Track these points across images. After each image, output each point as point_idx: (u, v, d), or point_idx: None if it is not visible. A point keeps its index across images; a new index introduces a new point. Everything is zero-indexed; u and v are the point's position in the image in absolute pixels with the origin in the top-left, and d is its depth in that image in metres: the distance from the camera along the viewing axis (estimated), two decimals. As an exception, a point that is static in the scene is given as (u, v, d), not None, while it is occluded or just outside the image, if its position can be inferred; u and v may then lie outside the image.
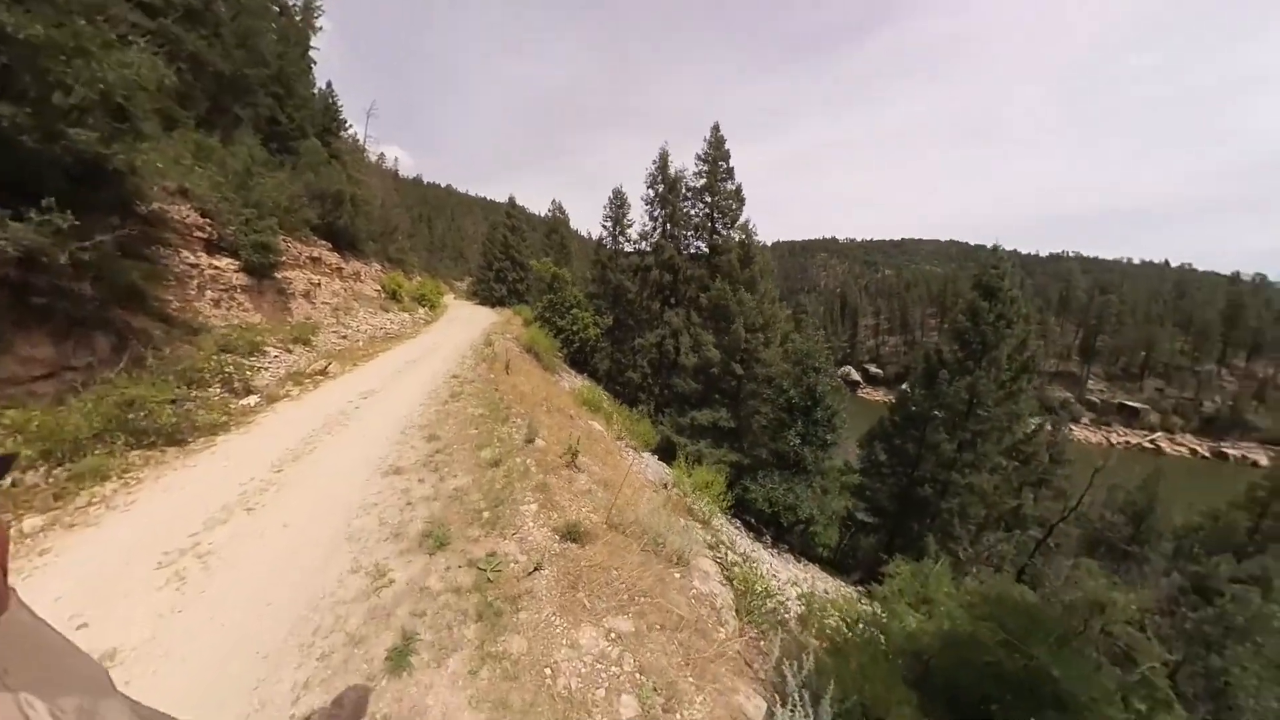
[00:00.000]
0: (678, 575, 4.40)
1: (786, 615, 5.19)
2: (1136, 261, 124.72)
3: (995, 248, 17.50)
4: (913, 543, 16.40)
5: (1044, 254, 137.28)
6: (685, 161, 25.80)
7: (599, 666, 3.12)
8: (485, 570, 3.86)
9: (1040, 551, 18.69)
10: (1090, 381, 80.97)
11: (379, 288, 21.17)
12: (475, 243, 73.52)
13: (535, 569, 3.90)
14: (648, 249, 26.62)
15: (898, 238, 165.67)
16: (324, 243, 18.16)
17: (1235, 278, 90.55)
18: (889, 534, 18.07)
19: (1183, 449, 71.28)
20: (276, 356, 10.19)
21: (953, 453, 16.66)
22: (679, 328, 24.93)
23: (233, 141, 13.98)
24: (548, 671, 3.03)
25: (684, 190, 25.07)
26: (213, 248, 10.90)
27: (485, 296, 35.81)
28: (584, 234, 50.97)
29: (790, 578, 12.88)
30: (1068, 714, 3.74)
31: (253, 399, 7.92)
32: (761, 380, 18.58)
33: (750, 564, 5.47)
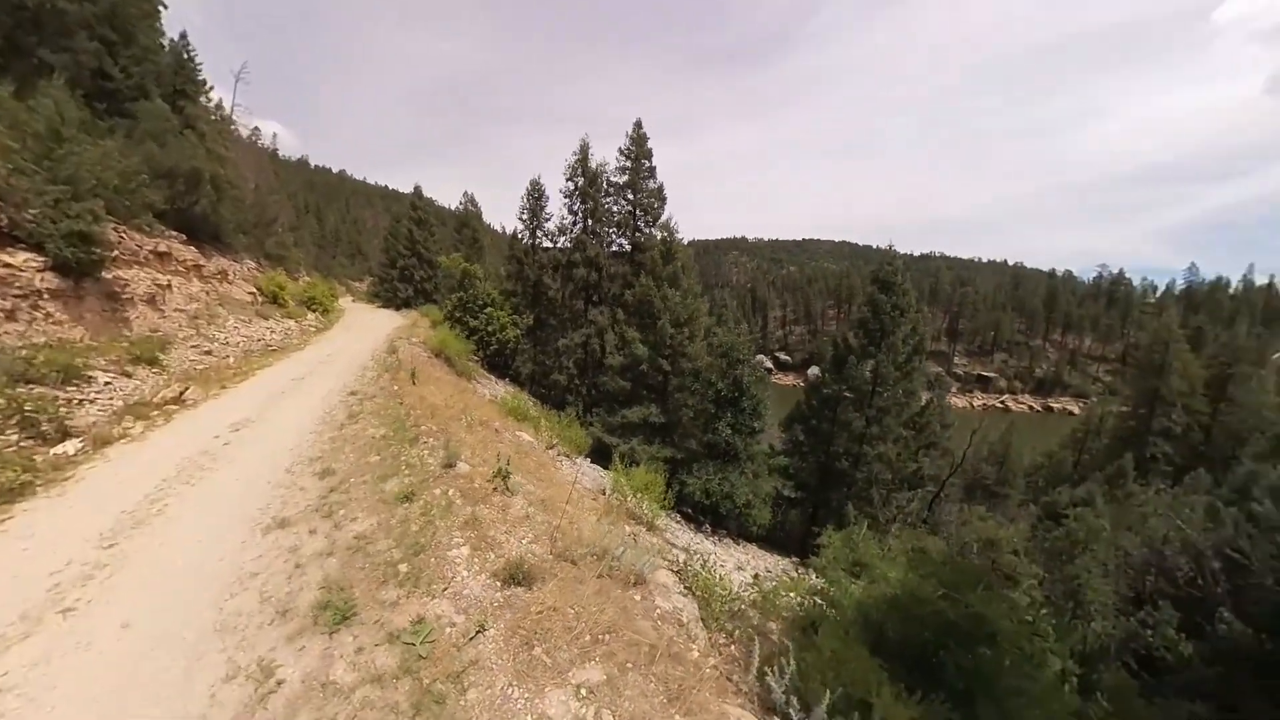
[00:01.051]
0: (638, 598, 4.08)
1: (744, 606, 5.08)
2: (985, 260, 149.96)
3: (890, 248, 19.54)
4: (834, 512, 17.98)
5: (917, 253, 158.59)
6: (604, 157, 25.19)
7: (577, 733, 2.67)
8: (414, 644, 3.12)
9: (936, 503, 21.55)
10: (956, 358, 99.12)
11: (254, 290, 18.05)
12: (376, 237, 66.41)
13: (478, 631, 3.24)
14: (568, 244, 25.75)
15: (799, 238, 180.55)
16: (176, 234, 14.92)
17: (1053, 273, 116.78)
18: (813, 506, 19.76)
19: (1023, 406, 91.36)
20: (108, 384, 8.07)
21: (862, 428, 18.70)
22: (604, 326, 24.46)
23: (34, 94, 10.62)
24: (517, 758, 2.45)
25: (605, 185, 24.54)
26: (-2, 242, 8.35)
27: (389, 298, 32.44)
28: (498, 228, 48.26)
29: (735, 562, 13.27)
30: (996, 646, 4.29)
31: (71, 445, 6.11)
32: (688, 374, 18.77)
33: (703, 563, 5.18)
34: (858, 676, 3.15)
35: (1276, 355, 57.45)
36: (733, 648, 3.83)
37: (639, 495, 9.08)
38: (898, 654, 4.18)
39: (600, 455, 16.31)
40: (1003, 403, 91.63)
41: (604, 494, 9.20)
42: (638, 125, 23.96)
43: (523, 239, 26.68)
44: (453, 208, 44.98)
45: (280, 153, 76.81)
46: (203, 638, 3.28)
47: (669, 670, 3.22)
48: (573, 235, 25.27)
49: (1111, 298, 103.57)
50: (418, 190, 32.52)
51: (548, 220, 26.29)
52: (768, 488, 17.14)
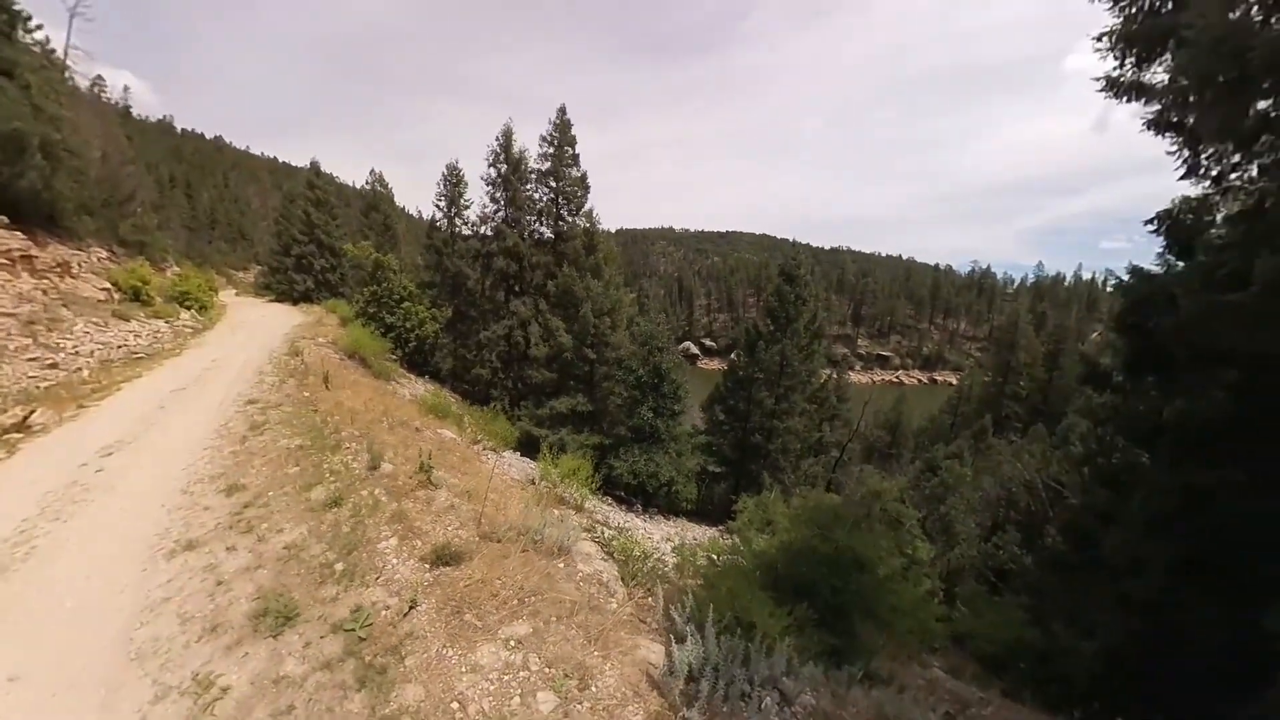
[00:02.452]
0: (561, 565, 4.50)
1: (665, 569, 5.79)
2: (883, 255, 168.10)
3: (795, 243, 21.86)
4: (753, 481, 19.91)
5: (827, 247, 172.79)
6: (526, 141, 24.41)
7: (506, 677, 3.08)
8: (354, 629, 3.36)
9: (838, 466, 24.57)
10: (859, 340, 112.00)
11: (108, 286, 15.52)
12: (265, 219, 58.65)
13: (411, 607, 3.54)
14: (488, 233, 24.95)
15: (723, 229, 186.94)
16: (-11, 220, 12.35)
17: (937, 267, 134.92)
18: (735, 479, 21.66)
19: (914, 380, 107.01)
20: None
21: (773, 405, 20.79)
22: (527, 317, 24.21)
23: None
24: (455, 706, 2.87)
25: (527, 172, 24.04)
26: None
27: (283, 291, 29.24)
28: (412, 213, 44.73)
29: (664, 535, 14.21)
30: (867, 571, 5.37)
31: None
32: (612, 363, 19.34)
33: (626, 534, 5.80)
34: (747, 605, 3.82)
35: (1095, 335, 71.94)
36: (650, 600, 4.32)
37: (566, 480, 9.45)
38: (787, 588, 5.05)
39: (530, 448, 16.42)
40: (897, 378, 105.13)
41: (533, 483, 9.47)
42: (561, 111, 23.68)
43: (441, 227, 25.40)
44: (358, 186, 41.00)
45: (135, 112, 64.11)
46: (117, 669, 3.21)
47: (589, 619, 3.66)
48: (494, 224, 24.56)
49: (981, 288, 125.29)
50: (315, 165, 29.29)
51: (467, 208, 25.26)
52: (691, 465, 18.48)
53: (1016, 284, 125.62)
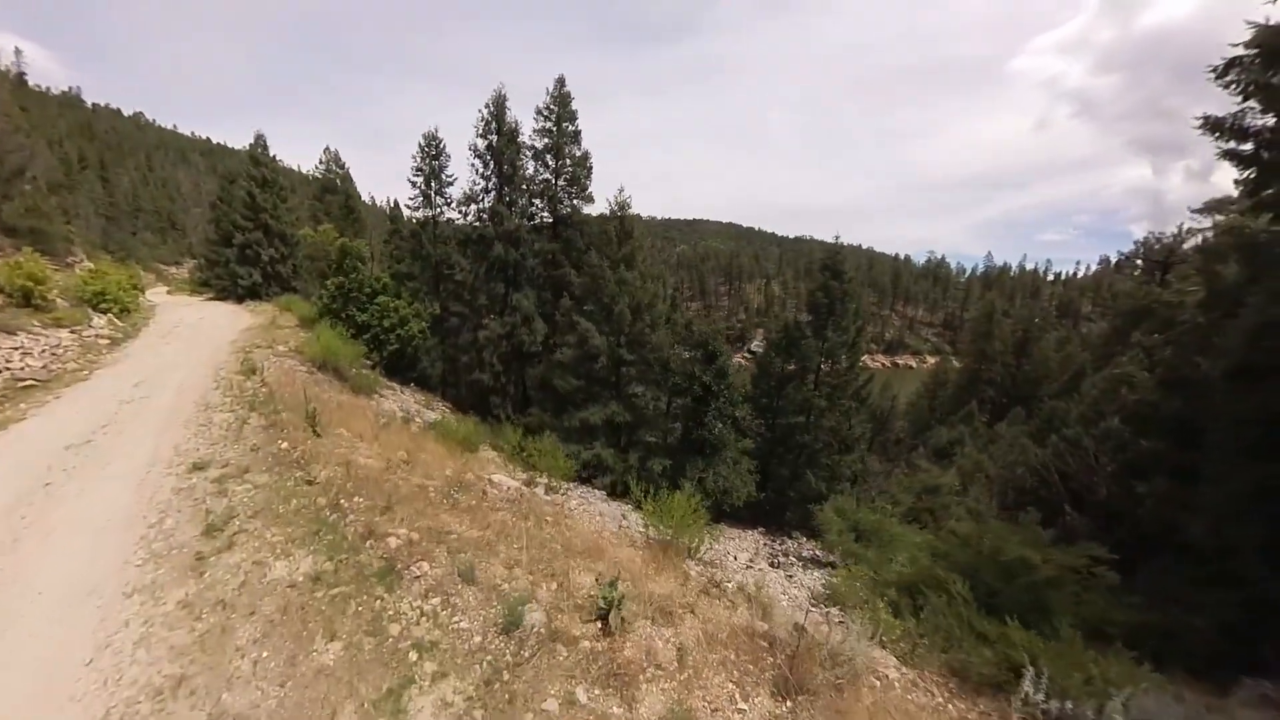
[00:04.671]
0: None
1: None
2: (847, 244, 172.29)
3: (836, 238, 20.23)
4: (788, 481, 18.12)
5: (792, 236, 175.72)
6: (517, 116, 20.96)
7: None
8: None
9: (865, 459, 23.24)
10: None
11: (-22, 282, 11.19)
12: (201, 205, 50.85)
13: None
14: (477, 217, 21.26)
15: (691, 217, 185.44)
16: None
17: (896, 257, 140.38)
18: (761, 477, 19.60)
19: (879, 364, 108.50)
20: None
21: (814, 400, 18.83)
22: (530, 313, 20.91)
23: None
24: None
25: (523, 148, 20.55)
26: None
27: (225, 287, 24.32)
28: (370, 201, 39.59)
29: (723, 551, 11.67)
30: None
31: None
32: (654, 366, 16.52)
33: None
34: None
35: (1096, 326, 75.68)
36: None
37: (690, 532, 6.85)
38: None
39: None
40: (863, 363, 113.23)
41: (659, 548, 6.56)
42: (560, 82, 20.30)
43: (416, 208, 21.42)
44: (308, 171, 35.77)
45: (30, 81, 54.19)
46: None
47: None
48: (485, 205, 20.88)
49: (936, 277, 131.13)
50: (260, 140, 24.31)
51: (449, 184, 21.39)
52: (746, 469, 16.27)
53: (968, 273, 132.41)
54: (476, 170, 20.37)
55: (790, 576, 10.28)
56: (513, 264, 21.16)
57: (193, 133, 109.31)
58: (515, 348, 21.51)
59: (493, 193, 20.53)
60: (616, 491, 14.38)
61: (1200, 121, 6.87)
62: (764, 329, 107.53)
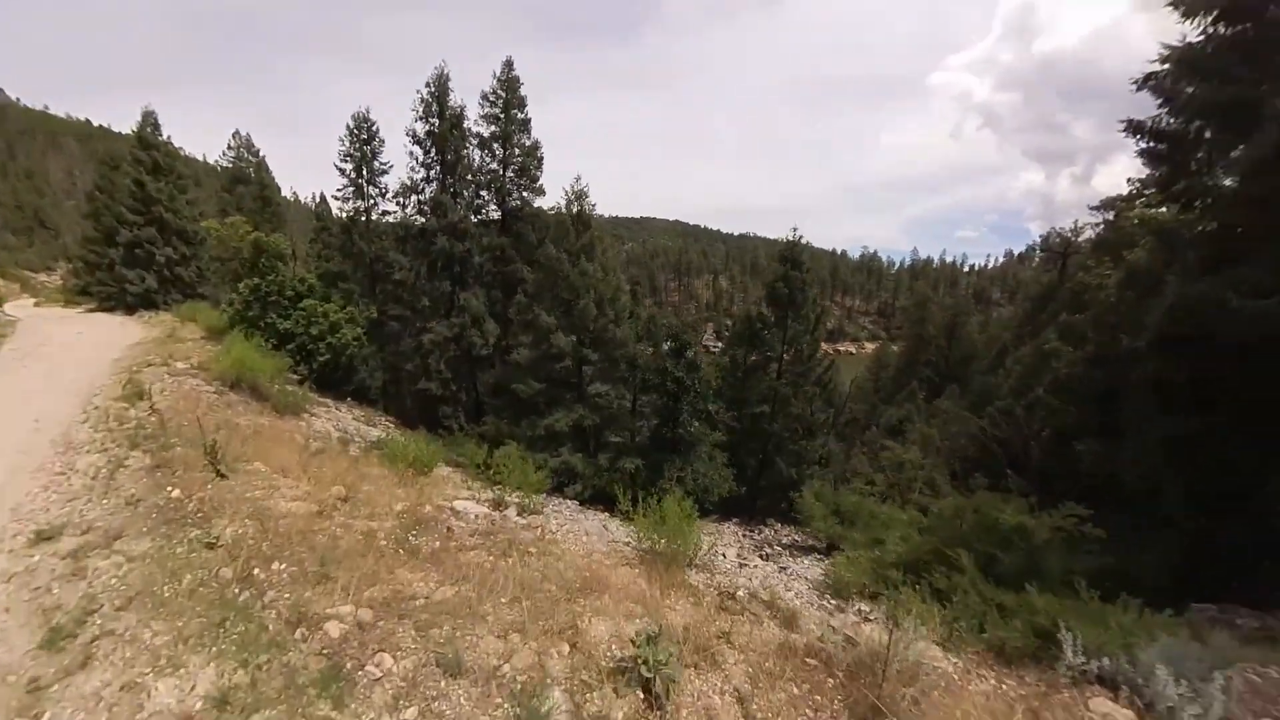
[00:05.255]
0: None
1: None
2: (785, 241, 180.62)
3: (795, 231, 20.13)
4: (758, 470, 18.30)
5: (737, 234, 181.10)
6: (462, 99, 19.16)
7: None
8: None
9: (828, 443, 23.92)
10: None
11: None
12: (78, 199, 43.34)
13: None
14: (416, 211, 19.35)
15: (638, 215, 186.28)
16: None
17: (834, 251, 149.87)
18: (734, 468, 19.59)
19: (821, 351, 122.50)
20: None
21: (779, 389, 18.96)
22: (480, 313, 19.39)
23: None
24: None
25: (467, 134, 18.92)
26: None
27: (110, 295, 20.62)
28: (293, 196, 35.50)
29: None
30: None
31: None
32: (622, 363, 15.67)
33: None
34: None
35: (1005, 311, 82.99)
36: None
37: (680, 538, 6.14)
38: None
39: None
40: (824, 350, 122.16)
41: (659, 565, 5.73)
42: (508, 65, 18.89)
43: (347, 200, 19.16)
44: (213, 160, 31.47)
45: None
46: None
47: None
48: (426, 196, 19.02)
49: (870, 270, 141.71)
50: (150, 117, 20.47)
51: (383, 174, 19.29)
52: (721, 462, 16.08)
53: (898, 266, 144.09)
54: (415, 158, 18.52)
55: (784, 568, 10.03)
56: (459, 260, 19.47)
57: (68, 114, 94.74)
58: (465, 352, 19.88)
59: (435, 183, 18.72)
60: (588, 499, 13.51)
61: (1124, 125, 7.59)
62: (714, 323, 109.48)
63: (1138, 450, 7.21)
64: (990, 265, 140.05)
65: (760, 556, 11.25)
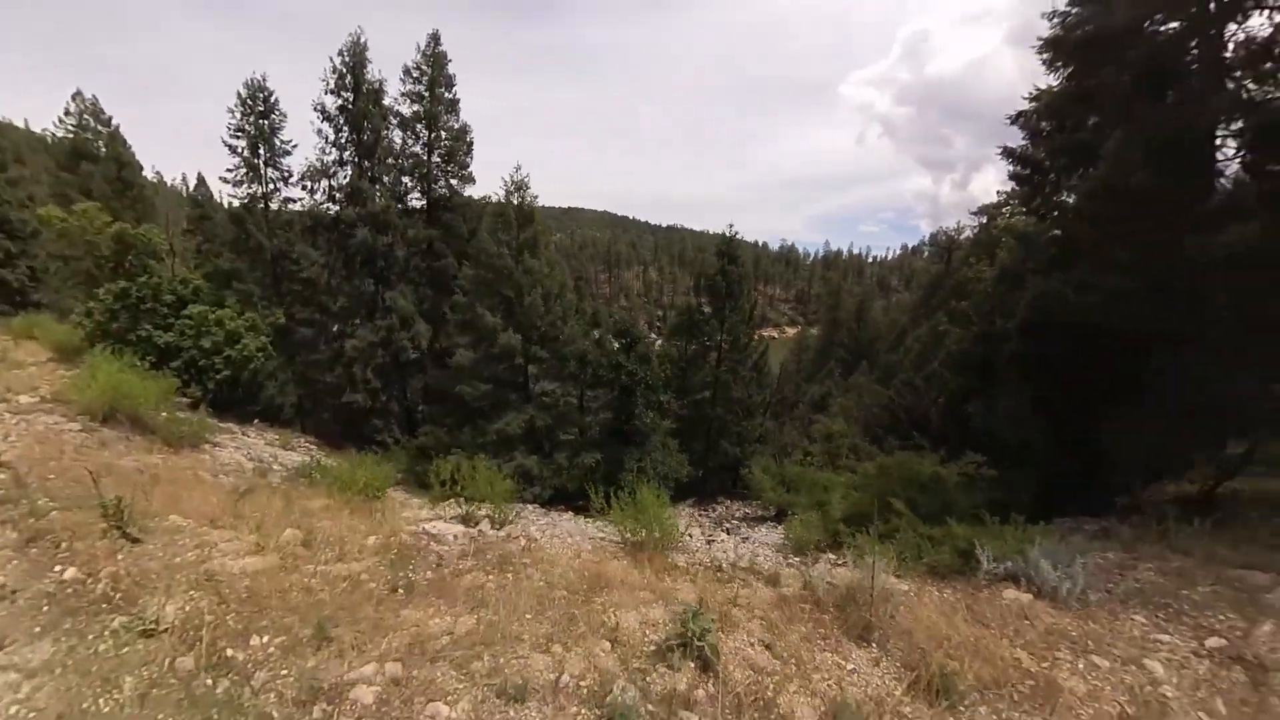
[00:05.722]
0: None
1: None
2: (712, 232, 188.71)
3: (730, 226, 21.17)
4: (707, 454, 19.07)
5: (664, 225, 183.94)
6: (377, 70, 16.93)
7: None
8: None
9: (765, 421, 25.31)
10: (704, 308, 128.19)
11: None
12: None
13: None
14: (328, 198, 17.09)
15: (565, 206, 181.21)
16: None
17: (756, 243, 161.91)
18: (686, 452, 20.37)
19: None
20: None
21: (720, 376, 19.96)
22: (408, 313, 17.73)
23: None
24: None
25: (388, 114, 16.98)
26: None
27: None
28: (157, 178, 29.52)
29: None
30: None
31: None
32: (572, 360, 15.14)
33: None
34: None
35: (899, 299, 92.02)
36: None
37: (662, 526, 6.18)
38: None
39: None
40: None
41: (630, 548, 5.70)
42: (434, 39, 17.26)
43: (240, 183, 16.38)
44: (42, 131, 25.29)
45: None
46: None
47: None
48: (340, 182, 16.80)
49: (788, 261, 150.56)
50: None
51: (286, 153, 16.71)
52: (675, 449, 16.31)
53: (812, 257, 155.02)
54: (325, 137, 16.21)
55: (745, 539, 10.68)
56: (382, 255, 17.49)
57: None
58: (394, 357, 18.01)
59: (350, 166, 16.55)
60: (549, 500, 13.11)
61: (1000, 150, 9.37)
62: (645, 314, 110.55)
63: (1010, 410, 9.01)
64: (889, 257, 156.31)
65: (724, 532, 11.87)
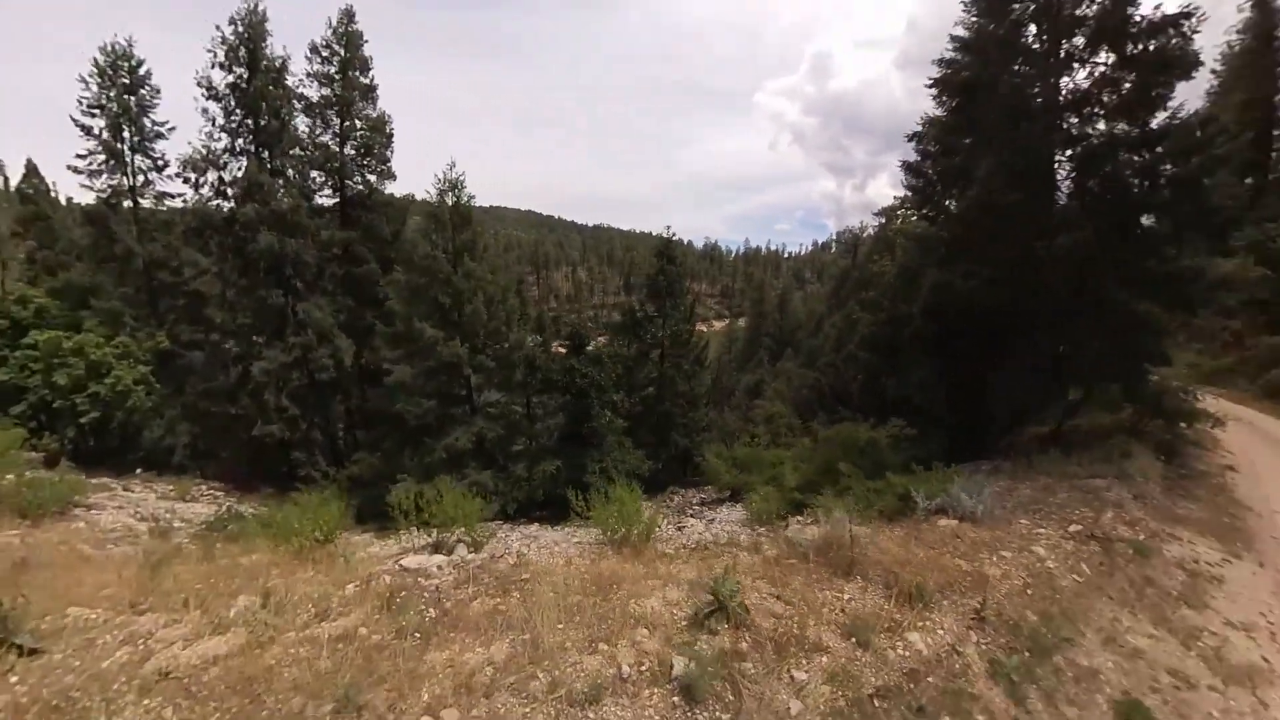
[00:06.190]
0: None
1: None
2: (639, 231, 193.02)
3: (668, 228, 22.41)
4: (658, 447, 19.21)
5: (591, 224, 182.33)
6: (279, 46, 14.38)
7: None
8: None
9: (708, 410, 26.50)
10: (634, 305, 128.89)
11: None
12: None
13: None
14: (216, 194, 14.51)
15: (487, 204, 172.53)
16: None
17: (681, 241, 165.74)
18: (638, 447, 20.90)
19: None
20: None
21: (668, 371, 20.53)
22: (327, 328, 15.64)
23: None
24: None
25: (291, 96, 14.73)
26: None
27: None
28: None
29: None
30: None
31: None
32: (520, 367, 14.42)
33: None
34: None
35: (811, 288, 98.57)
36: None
37: (640, 523, 6.23)
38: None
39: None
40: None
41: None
42: (348, 16, 15.33)
43: (99, 173, 13.28)
44: None
45: None
46: None
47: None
48: (234, 175, 14.30)
49: (713, 258, 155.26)
50: None
51: (159, 136, 13.87)
52: (631, 446, 16.27)
53: (734, 254, 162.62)
54: (213, 119, 13.65)
55: (711, 520, 11.24)
56: (291, 261, 15.13)
57: None
58: (312, 379, 15.74)
59: (246, 156, 14.06)
60: (513, 514, 12.58)
61: (901, 164, 11.28)
62: (578, 317, 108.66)
63: (918, 381, 10.82)
64: (802, 252, 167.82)
65: (690, 517, 12.29)
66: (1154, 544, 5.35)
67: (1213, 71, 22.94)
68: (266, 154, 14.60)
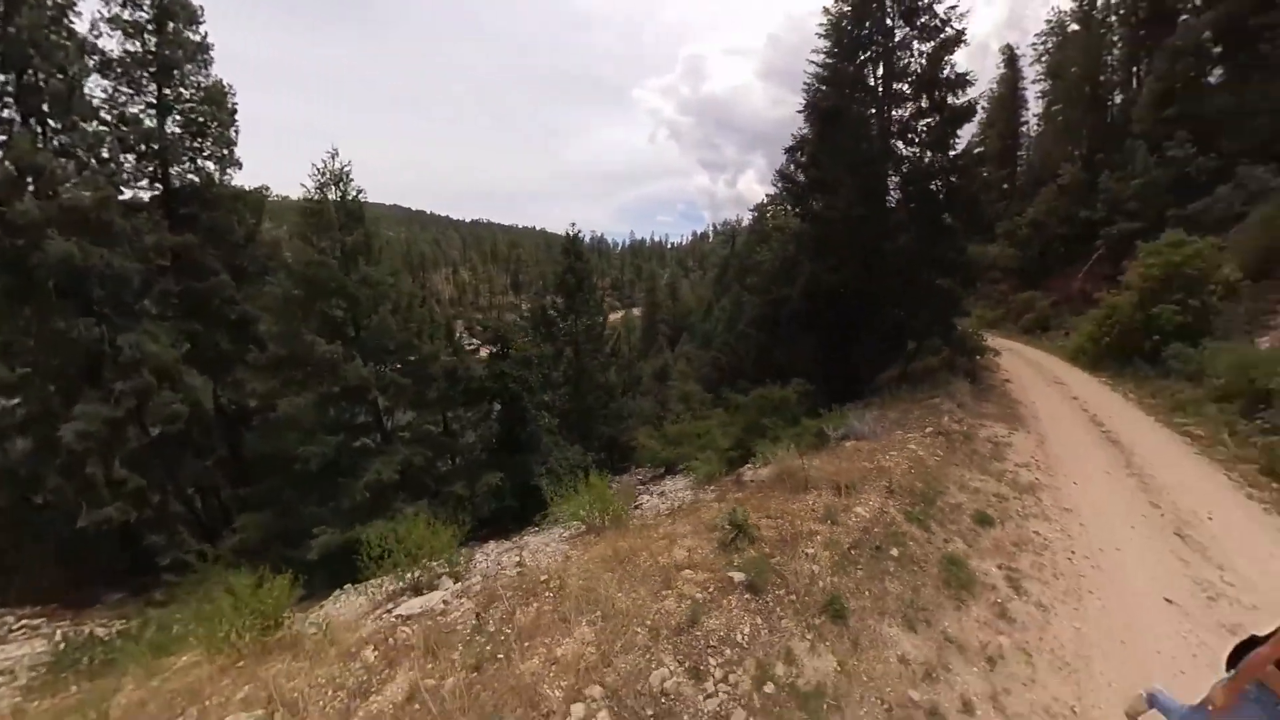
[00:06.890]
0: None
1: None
2: (521, 226, 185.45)
3: (573, 224, 22.69)
4: (587, 439, 19.63)
5: (469, 219, 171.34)
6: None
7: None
8: None
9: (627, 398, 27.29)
10: (524, 304, 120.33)
11: None
12: None
13: None
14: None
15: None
16: None
17: (567, 235, 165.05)
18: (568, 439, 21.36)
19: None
20: None
21: (586, 364, 21.16)
22: (166, 363, 12.69)
23: None
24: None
25: (85, 48, 11.27)
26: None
27: None
28: None
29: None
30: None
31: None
32: (440, 380, 13.31)
33: None
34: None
35: (691, 276, 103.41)
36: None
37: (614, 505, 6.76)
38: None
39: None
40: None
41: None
42: None
43: None
44: None
45: None
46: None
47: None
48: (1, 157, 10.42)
49: (600, 251, 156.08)
50: None
51: None
52: (568, 442, 16.59)
53: (620, 247, 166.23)
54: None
55: (663, 493, 12.00)
56: (99, 276, 11.59)
57: None
58: (155, 434, 12.32)
59: (12, 127, 10.18)
60: (472, 535, 11.61)
61: (776, 172, 13.51)
62: (465, 321, 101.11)
63: (802, 351, 13.39)
64: (683, 243, 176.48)
65: (640, 496, 12.88)
66: (973, 431, 8.35)
67: (982, 108, 32.50)
68: (47, 127, 10.88)
